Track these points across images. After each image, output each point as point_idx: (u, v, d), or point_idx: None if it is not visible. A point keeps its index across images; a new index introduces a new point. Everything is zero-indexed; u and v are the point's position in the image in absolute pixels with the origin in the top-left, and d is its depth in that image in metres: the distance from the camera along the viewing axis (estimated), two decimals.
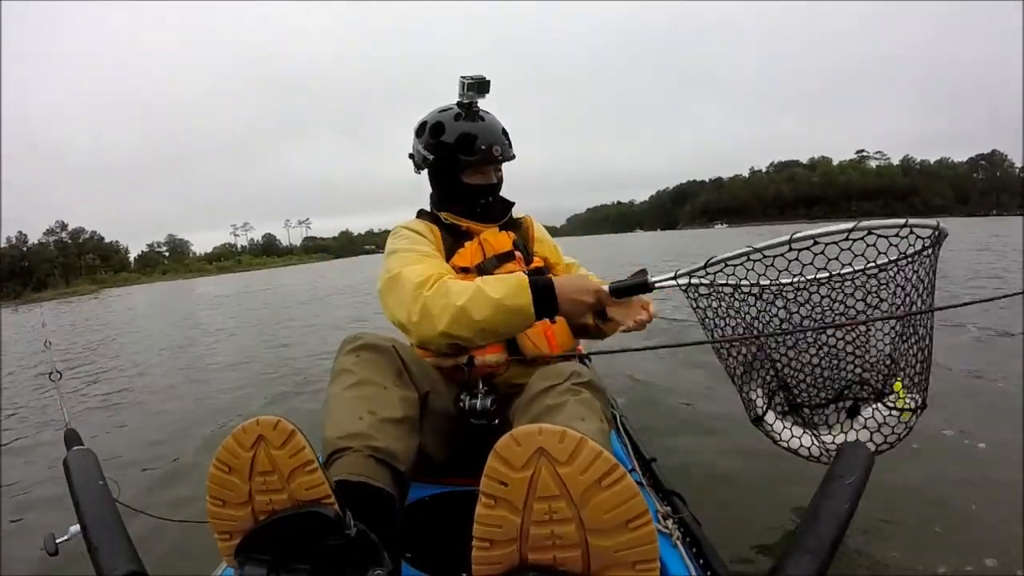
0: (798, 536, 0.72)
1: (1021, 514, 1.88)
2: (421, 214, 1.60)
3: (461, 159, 1.44)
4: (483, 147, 1.44)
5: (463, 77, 1.44)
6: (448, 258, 1.48)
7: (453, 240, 1.51)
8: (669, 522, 1.16)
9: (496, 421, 1.31)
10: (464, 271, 1.44)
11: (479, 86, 1.44)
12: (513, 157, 1.52)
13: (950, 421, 2.46)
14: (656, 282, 1.20)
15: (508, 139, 1.51)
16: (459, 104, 1.48)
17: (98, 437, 3.59)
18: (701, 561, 1.08)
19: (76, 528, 0.86)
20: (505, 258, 1.47)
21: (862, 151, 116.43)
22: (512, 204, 1.61)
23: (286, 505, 0.79)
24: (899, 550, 1.72)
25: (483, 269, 1.43)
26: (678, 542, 1.12)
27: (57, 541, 0.92)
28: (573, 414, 1.04)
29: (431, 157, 1.47)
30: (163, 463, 2.92)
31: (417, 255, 1.37)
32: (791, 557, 0.70)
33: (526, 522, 0.67)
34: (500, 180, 1.54)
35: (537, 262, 1.55)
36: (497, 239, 1.50)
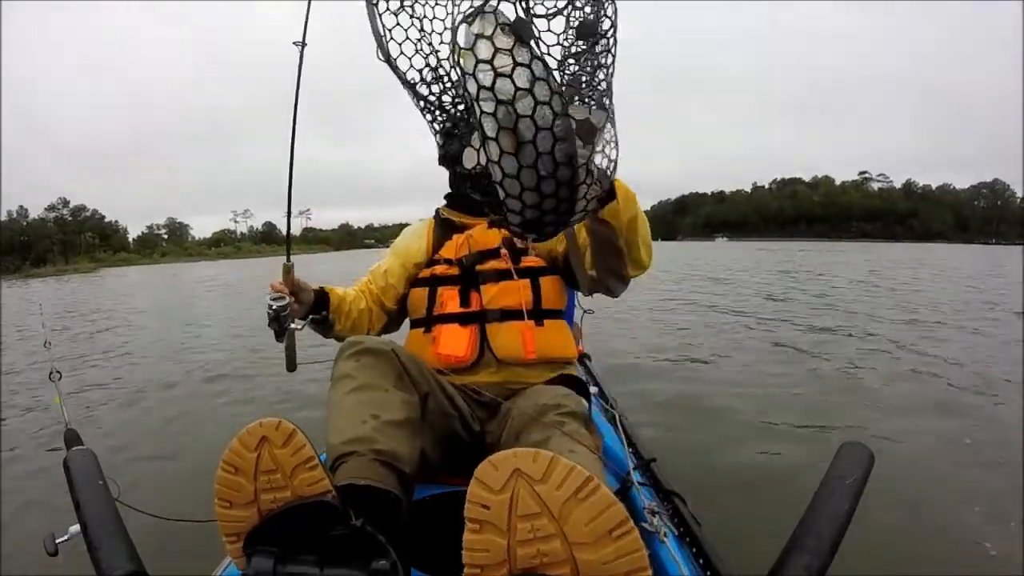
0: (798, 536, 0.73)
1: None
2: (437, 211, 1.68)
3: (451, 149, 1.48)
4: (459, 135, 1.49)
5: (457, 76, 1.49)
6: (436, 250, 1.56)
7: (443, 233, 1.57)
8: (656, 519, 1.17)
9: (275, 312, 1.37)
10: (448, 263, 1.51)
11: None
12: None
13: None
14: None
15: None
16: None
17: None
18: (701, 561, 1.10)
19: (76, 528, 0.87)
20: (489, 255, 1.48)
21: (865, 172, 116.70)
22: None
23: (291, 502, 0.83)
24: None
25: (465, 263, 1.48)
26: (676, 541, 1.14)
27: (57, 541, 0.93)
28: (560, 447, 1.05)
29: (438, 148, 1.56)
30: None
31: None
32: (791, 557, 0.70)
33: (512, 543, 0.69)
34: None
35: (533, 260, 1.51)
36: (484, 235, 1.52)
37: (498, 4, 0.90)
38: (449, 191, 1.64)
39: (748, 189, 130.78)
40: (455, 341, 1.42)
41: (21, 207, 78.99)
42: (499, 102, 0.84)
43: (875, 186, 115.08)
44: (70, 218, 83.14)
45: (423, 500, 1.30)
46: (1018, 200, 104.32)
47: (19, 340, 8.14)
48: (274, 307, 1.36)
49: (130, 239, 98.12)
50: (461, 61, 0.86)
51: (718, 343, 5.78)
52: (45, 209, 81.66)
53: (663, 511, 1.25)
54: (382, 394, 1.13)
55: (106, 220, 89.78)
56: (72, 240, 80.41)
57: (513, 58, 0.82)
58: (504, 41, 0.83)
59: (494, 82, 0.83)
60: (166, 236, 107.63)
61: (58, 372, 1.51)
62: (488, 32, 0.83)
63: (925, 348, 5.44)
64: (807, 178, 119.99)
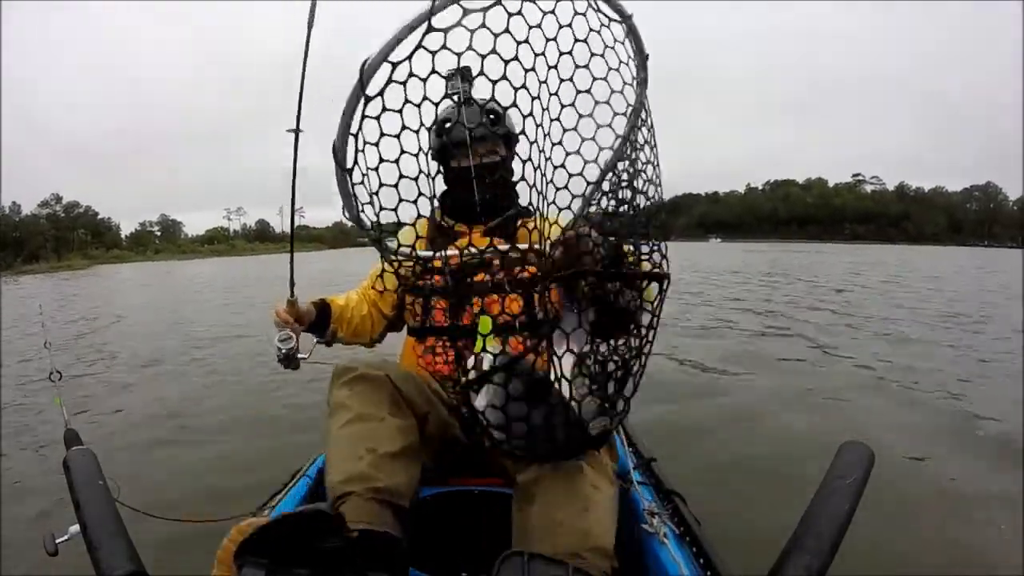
0: (798, 536, 0.72)
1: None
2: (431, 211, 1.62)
3: (439, 144, 1.48)
4: (448, 127, 1.46)
5: (447, 70, 1.47)
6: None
7: (437, 238, 1.51)
8: (656, 520, 1.17)
9: (284, 354, 1.46)
10: (439, 272, 1.45)
11: (459, 74, 1.47)
12: (498, 136, 1.51)
13: None
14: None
15: (495, 119, 1.49)
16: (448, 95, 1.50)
17: None
18: (701, 561, 1.10)
19: (76, 528, 0.87)
20: (482, 267, 1.40)
21: (858, 175, 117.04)
22: (509, 198, 1.55)
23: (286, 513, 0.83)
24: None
25: (457, 271, 1.40)
26: (676, 541, 1.14)
27: (57, 541, 0.93)
28: (588, 481, 1.05)
29: (432, 151, 1.51)
30: None
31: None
32: (791, 557, 0.70)
33: None
34: (499, 162, 1.51)
35: (530, 271, 1.42)
36: (478, 245, 1.48)
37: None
38: (444, 190, 1.59)
39: (741, 190, 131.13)
40: (447, 355, 1.41)
41: (14, 203, 78.34)
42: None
43: (868, 188, 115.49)
44: (63, 215, 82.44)
45: (423, 500, 1.30)
46: (1010, 203, 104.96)
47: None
48: (284, 350, 1.44)
49: (123, 236, 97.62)
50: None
51: (715, 342, 5.79)
52: (38, 205, 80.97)
53: (663, 511, 1.26)
54: (377, 424, 1.13)
55: (99, 217, 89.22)
56: (65, 237, 79.69)
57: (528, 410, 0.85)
58: (518, 408, 0.87)
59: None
60: (159, 233, 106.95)
61: (58, 372, 1.50)
62: (498, 402, 0.88)
63: (920, 345, 5.47)
64: (800, 179, 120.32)
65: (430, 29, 0.76)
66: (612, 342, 0.96)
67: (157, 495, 2.39)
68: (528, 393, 0.86)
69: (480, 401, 0.88)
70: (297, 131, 1.39)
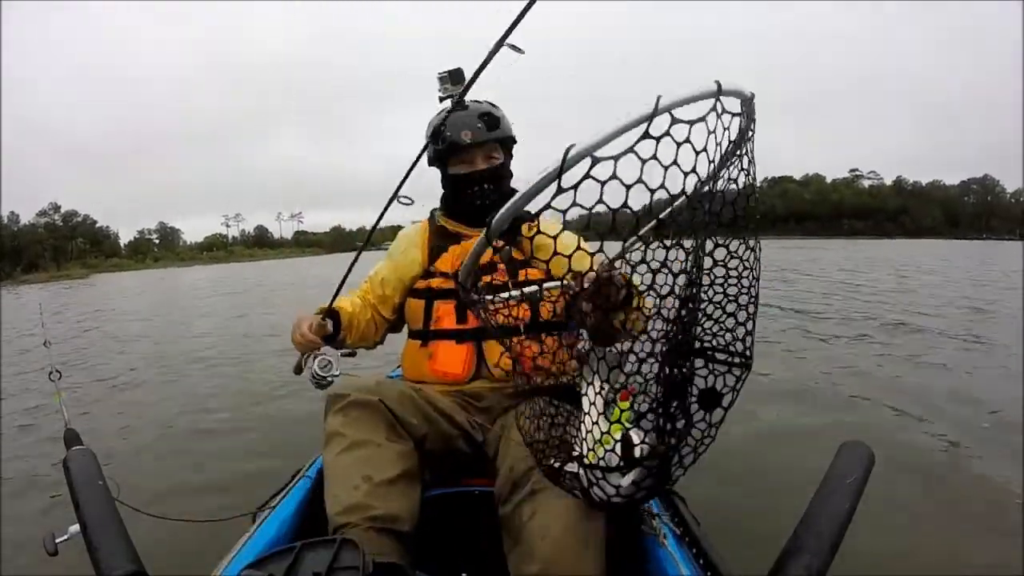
0: (798, 536, 0.72)
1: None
2: (431, 213, 1.63)
3: (436, 151, 1.48)
4: (448, 134, 1.45)
5: (439, 73, 1.47)
6: (432, 260, 1.51)
7: (439, 242, 1.53)
8: (655, 521, 1.17)
9: (330, 381, 1.48)
10: (444, 276, 1.47)
11: (451, 76, 1.46)
12: (496, 139, 1.48)
13: None
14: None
15: (492, 122, 1.47)
16: (442, 99, 1.50)
17: None
18: (701, 561, 1.10)
19: (76, 528, 0.87)
20: (485, 269, 1.42)
21: (855, 170, 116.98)
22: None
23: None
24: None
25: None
26: (676, 541, 1.14)
27: (57, 541, 0.93)
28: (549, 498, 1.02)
29: (428, 156, 1.52)
30: None
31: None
32: (791, 557, 0.70)
33: None
34: (498, 167, 1.49)
35: (535, 273, 1.43)
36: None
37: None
38: (444, 194, 1.60)
39: None
40: (451, 358, 1.42)
41: (12, 212, 78.23)
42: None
43: (865, 183, 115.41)
44: (61, 223, 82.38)
45: (423, 500, 1.31)
46: (1008, 196, 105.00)
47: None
48: (328, 378, 1.47)
49: (121, 244, 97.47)
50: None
51: None
52: (36, 214, 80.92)
53: (663, 512, 1.25)
54: (374, 450, 1.13)
55: (97, 226, 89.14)
56: (63, 246, 79.64)
57: None
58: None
59: None
60: (157, 241, 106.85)
61: (58, 372, 1.50)
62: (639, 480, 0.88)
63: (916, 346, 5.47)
64: (798, 176, 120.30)
65: (560, 191, 0.68)
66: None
67: (158, 495, 2.40)
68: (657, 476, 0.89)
69: (626, 480, 0.88)
70: (394, 198, 1.43)
